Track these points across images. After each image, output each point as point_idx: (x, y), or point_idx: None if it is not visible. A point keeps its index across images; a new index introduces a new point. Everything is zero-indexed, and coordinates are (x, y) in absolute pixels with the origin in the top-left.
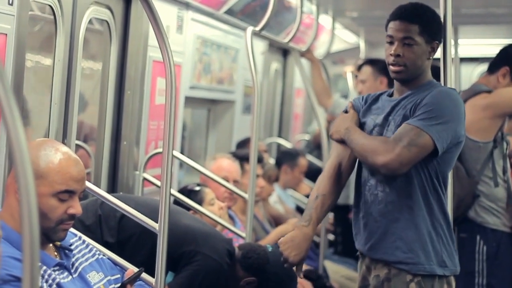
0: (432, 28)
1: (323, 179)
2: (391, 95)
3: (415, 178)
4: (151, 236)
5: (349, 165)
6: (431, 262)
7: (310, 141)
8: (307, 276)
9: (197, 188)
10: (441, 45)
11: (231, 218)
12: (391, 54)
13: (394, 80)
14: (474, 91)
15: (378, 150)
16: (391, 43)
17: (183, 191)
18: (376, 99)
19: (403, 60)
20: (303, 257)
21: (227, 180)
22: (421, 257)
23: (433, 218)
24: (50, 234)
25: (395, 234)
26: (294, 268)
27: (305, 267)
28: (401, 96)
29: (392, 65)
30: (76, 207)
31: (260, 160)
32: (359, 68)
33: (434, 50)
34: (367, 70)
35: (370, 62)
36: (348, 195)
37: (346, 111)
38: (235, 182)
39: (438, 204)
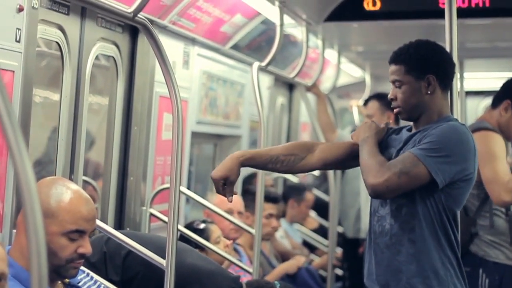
0: (419, 64)
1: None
2: (410, 129)
3: (420, 212)
4: (156, 275)
5: (333, 161)
6: None
7: (317, 175)
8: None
9: (202, 226)
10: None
11: (236, 251)
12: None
13: None
14: (473, 128)
15: (372, 171)
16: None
17: (189, 227)
18: (398, 132)
19: (397, 102)
20: (224, 175)
21: (232, 212)
22: None
23: (440, 252)
24: (61, 271)
25: (397, 267)
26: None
27: None
28: (416, 130)
29: (393, 107)
30: (86, 247)
31: (276, 200)
32: (365, 103)
33: (431, 84)
34: (374, 105)
35: (377, 97)
36: (359, 229)
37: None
38: (239, 214)
39: (446, 238)
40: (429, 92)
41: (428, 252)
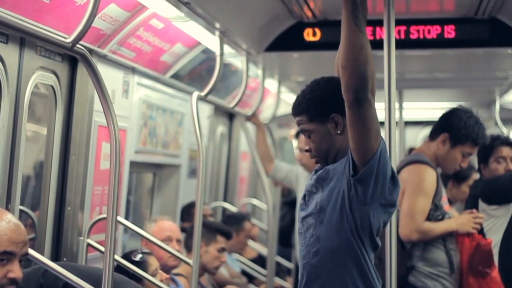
0: (318, 108)
1: None
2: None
3: (325, 236)
4: None
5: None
6: None
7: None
8: None
9: (140, 258)
10: (385, 108)
11: (174, 282)
12: None
13: None
14: (409, 160)
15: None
16: None
17: (127, 257)
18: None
19: (312, 152)
20: None
21: (170, 240)
22: None
23: (347, 281)
24: None
25: None
26: None
27: None
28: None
29: (311, 158)
30: (16, 272)
31: (230, 236)
32: (297, 135)
33: (338, 123)
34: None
35: None
36: None
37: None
38: (178, 242)
39: (356, 266)
40: (338, 132)
41: (332, 280)
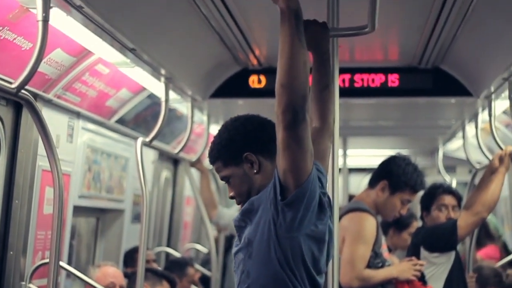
0: (229, 152)
1: None
2: None
3: (256, 276)
4: None
5: None
6: None
7: (205, 251)
8: None
9: None
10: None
11: None
12: None
13: None
14: (348, 208)
15: None
16: None
17: None
18: None
19: (236, 198)
20: None
21: (114, 286)
22: None
23: None
24: None
25: None
26: None
27: None
28: None
29: (237, 204)
30: None
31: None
32: None
33: (253, 161)
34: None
35: None
36: None
37: None
38: None
39: None
40: (255, 171)
41: None
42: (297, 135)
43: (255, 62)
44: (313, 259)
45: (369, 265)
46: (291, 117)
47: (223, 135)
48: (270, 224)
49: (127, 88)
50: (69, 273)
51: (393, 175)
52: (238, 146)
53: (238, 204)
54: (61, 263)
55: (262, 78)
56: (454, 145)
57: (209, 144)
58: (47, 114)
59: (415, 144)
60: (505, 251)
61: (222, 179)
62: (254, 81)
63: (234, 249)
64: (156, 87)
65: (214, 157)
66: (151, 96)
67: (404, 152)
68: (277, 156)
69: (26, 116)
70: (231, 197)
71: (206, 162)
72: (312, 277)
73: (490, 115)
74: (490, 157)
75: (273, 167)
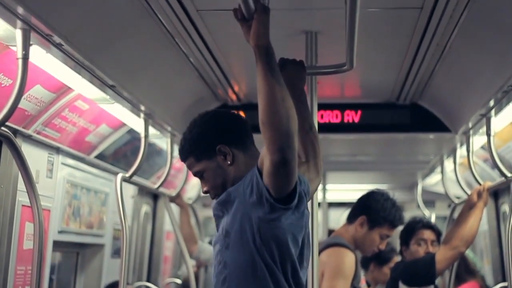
0: (201, 145)
1: None
2: None
3: (233, 266)
4: None
5: None
6: None
7: (180, 284)
8: None
9: None
10: None
11: None
12: None
13: None
14: (327, 243)
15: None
16: None
17: None
18: None
19: (211, 191)
20: None
21: None
22: None
23: None
24: None
25: None
26: None
27: None
28: None
29: (212, 198)
30: None
31: None
32: None
33: (227, 153)
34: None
35: None
36: None
37: None
38: None
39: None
40: (229, 163)
41: None
42: (285, 172)
43: (234, 98)
44: (295, 246)
45: None
46: (278, 158)
47: (194, 130)
48: (250, 216)
49: (107, 123)
50: None
51: (371, 210)
52: (211, 139)
53: (213, 198)
54: None
55: (241, 114)
56: (433, 180)
57: (189, 180)
58: (27, 149)
59: (395, 179)
60: (485, 286)
61: (195, 174)
62: None
63: (214, 240)
64: (136, 122)
65: (186, 153)
66: (131, 131)
67: (383, 186)
68: (262, 166)
69: (6, 151)
70: (205, 192)
71: (186, 197)
72: (294, 267)
73: (468, 150)
74: (469, 191)
75: (246, 157)
